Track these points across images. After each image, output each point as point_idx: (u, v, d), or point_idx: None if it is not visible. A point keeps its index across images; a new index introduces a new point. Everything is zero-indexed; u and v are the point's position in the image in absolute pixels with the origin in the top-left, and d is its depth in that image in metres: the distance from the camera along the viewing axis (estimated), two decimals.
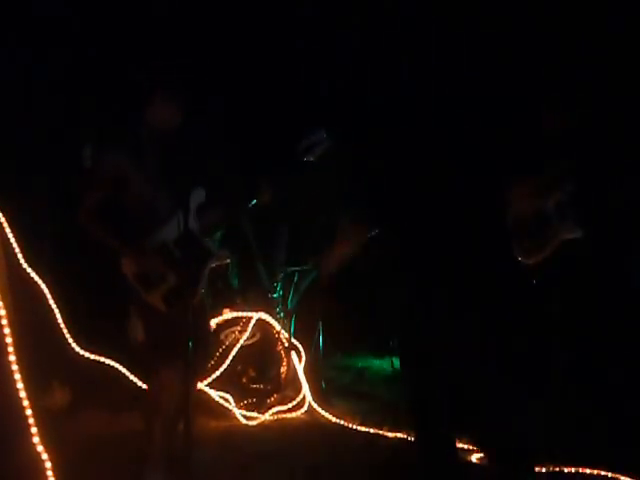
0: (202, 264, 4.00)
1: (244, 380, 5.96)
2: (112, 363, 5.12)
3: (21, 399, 3.65)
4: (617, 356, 5.12)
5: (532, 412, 4.56)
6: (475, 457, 4.62)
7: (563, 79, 4.42)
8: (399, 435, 5.07)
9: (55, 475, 3.58)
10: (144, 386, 4.72)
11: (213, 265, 4.08)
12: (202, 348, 4.08)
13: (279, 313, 6.32)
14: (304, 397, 5.79)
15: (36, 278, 4.85)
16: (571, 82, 4.38)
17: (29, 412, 3.64)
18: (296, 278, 6.79)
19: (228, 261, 4.23)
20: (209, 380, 5.49)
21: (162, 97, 3.98)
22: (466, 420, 3.86)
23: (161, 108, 3.97)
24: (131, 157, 3.90)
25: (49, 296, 4.97)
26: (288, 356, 6.01)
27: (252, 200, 4.22)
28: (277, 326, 6.09)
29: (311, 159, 4.20)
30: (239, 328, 5.95)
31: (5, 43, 5.18)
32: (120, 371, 5.11)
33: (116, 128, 4.23)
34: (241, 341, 5.86)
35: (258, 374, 6.06)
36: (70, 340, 5.07)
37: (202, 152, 4.20)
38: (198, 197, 4.04)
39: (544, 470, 4.26)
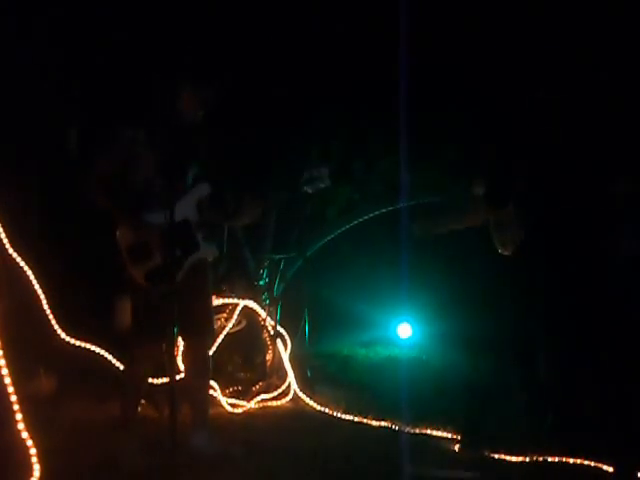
0: (187, 253, 4.09)
1: (229, 368, 5.96)
2: (98, 350, 5.10)
3: (6, 385, 3.64)
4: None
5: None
6: (457, 446, 4.66)
7: None
8: (383, 423, 5.09)
9: (40, 461, 3.59)
10: None
11: (197, 258, 4.14)
12: (197, 333, 4.18)
13: (265, 301, 6.33)
14: (289, 385, 5.80)
15: (22, 264, 4.82)
16: None
17: (14, 398, 3.64)
18: (282, 266, 6.81)
19: (213, 256, 4.26)
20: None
21: (192, 87, 4.08)
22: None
23: (189, 97, 4.07)
24: (147, 135, 4.01)
25: (35, 282, 4.94)
26: (274, 344, 6.02)
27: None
28: (263, 314, 6.09)
29: (309, 191, 4.36)
30: (225, 315, 5.93)
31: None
32: (106, 358, 5.09)
33: (135, 108, 4.31)
34: (227, 329, 5.85)
35: (243, 362, 6.08)
36: (56, 326, 5.05)
37: (213, 150, 4.30)
38: (202, 190, 4.15)
39: (527, 460, 4.30)
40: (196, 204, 4.13)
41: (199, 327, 4.21)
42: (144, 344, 4.11)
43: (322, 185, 4.34)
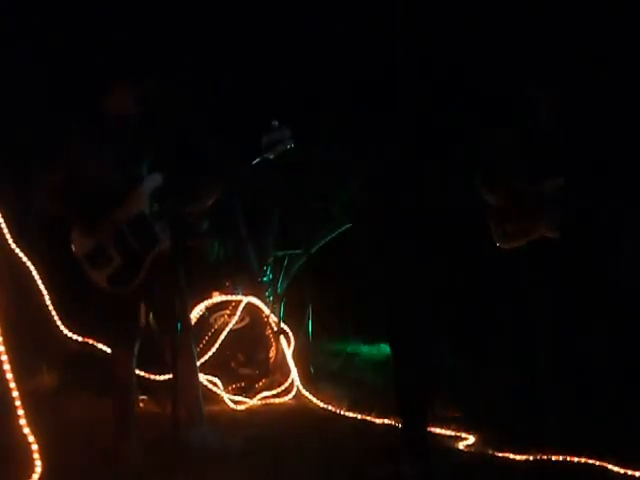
0: (148, 249, 4.05)
1: (232, 364, 5.94)
2: (100, 346, 5.09)
3: (8, 381, 3.63)
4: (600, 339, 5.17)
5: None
6: (462, 444, 4.64)
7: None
8: (387, 421, 5.06)
9: (41, 457, 3.58)
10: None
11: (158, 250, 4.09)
12: (174, 330, 4.10)
13: (268, 297, 6.31)
14: (292, 382, 5.78)
15: (24, 259, 4.80)
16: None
17: (16, 394, 3.63)
18: (286, 262, 6.79)
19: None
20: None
21: (124, 84, 4.09)
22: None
23: (122, 95, 4.07)
24: (91, 141, 4.01)
25: (37, 277, 4.92)
26: (277, 341, 6.00)
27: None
28: (266, 310, 6.07)
29: (271, 157, 4.14)
30: (228, 312, 5.93)
31: None
32: (108, 353, 5.07)
33: (78, 113, 4.29)
34: (230, 325, 5.84)
35: (247, 358, 6.04)
36: (58, 322, 5.03)
37: (161, 137, 4.24)
38: (153, 181, 4.08)
39: (531, 458, 4.28)
40: (149, 196, 4.06)
41: (174, 323, 4.03)
42: (117, 347, 4.17)
43: (284, 148, 4.12)
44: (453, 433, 4.83)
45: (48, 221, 5.57)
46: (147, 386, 5.11)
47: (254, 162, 4.15)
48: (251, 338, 6.09)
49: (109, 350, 4.26)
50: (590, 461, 4.22)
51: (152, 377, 5.11)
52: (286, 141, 4.12)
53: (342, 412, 5.34)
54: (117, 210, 3.99)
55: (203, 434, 4.16)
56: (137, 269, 4.00)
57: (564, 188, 4.34)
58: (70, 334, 5.06)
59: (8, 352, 3.67)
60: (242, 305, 5.92)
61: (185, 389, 4.18)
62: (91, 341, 5.10)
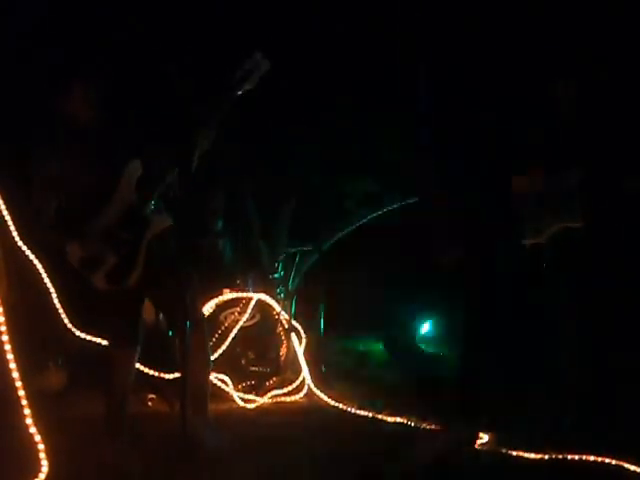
0: (139, 234, 4.03)
1: (243, 362, 5.91)
2: (106, 343, 5.04)
3: (14, 380, 3.60)
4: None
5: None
6: (477, 442, 4.57)
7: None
8: (399, 419, 5.01)
9: (48, 457, 3.55)
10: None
11: (152, 233, 4.07)
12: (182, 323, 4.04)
13: (280, 294, 6.26)
14: (303, 380, 5.73)
15: (32, 257, 4.78)
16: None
17: (22, 393, 3.59)
18: (298, 259, 6.74)
19: (167, 224, 4.12)
20: None
21: (81, 85, 4.05)
22: None
23: (80, 96, 4.04)
24: (59, 152, 3.98)
25: (45, 275, 4.89)
26: (288, 338, 5.95)
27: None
28: (277, 308, 6.02)
29: (249, 87, 3.89)
30: (239, 309, 5.90)
31: None
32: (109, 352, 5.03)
33: (39, 128, 4.22)
34: (240, 322, 5.81)
35: (257, 356, 6.01)
36: (66, 321, 5.00)
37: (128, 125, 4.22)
38: (134, 169, 4.04)
39: (546, 457, 4.21)
40: (133, 183, 4.02)
41: (184, 320, 3.88)
42: (118, 347, 4.14)
43: (260, 72, 3.86)
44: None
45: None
46: (156, 385, 5.07)
47: (231, 97, 3.93)
48: (262, 336, 6.05)
49: (110, 349, 4.25)
50: (607, 460, 4.15)
51: (161, 376, 5.06)
52: (261, 65, 3.88)
53: (354, 410, 5.29)
54: (103, 210, 3.97)
55: (206, 432, 4.10)
56: (133, 261, 3.97)
57: (586, 179, 4.29)
58: (77, 332, 5.02)
59: (14, 351, 3.63)
60: (253, 302, 5.88)
61: (192, 387, 4.14)
62: (98, 339, 5.07)
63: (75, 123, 4.05)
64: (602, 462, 4.15)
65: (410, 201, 6.87)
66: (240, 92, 3.91)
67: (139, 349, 4.16)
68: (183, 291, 3.91)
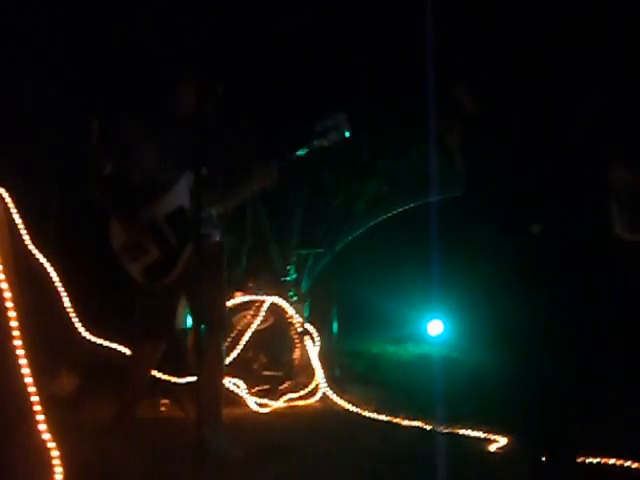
0: (184, 242, 3.99)
1: (256, 366, 5.88)
2: (121, 348, 5.03)
3: (27, 385, 3.57)
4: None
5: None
6: (494, 446, 4.51)
7: None
8: (414, 423, 4.96)
9: (62, 464, 3.51)
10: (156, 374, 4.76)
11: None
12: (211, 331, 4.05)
13: (292, 297, 6.22)
14: (317, 384, 5.68)
15: (43, 260, 4.76)
16: None
17: (35, 399, 3.56)
18: (310, 261, 6.71)
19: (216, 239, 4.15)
20: None
21: (193, 81, 4.04)
22: None
23: (190, 90, 4.04)
24: (142, 126, 4.02)
25: (56, 279, 4.88)
26: (301, 342, 5.91)
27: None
28: (290, 311, 5.98)
29: (325, 144, 4.01)
30: (251, 312, 5.87)
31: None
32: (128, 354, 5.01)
33: (136, 100, 4.39)
34: (253, 326, 5.77)
35: (270, 360, 5.98)
36: (78, 325, 4.98)
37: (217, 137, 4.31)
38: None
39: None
40: (189, 190, 4.00)
41: (208, 320, 4.04)
42: (145, 343, 4.15)
43: (340, 134, 3.96)
44: (484, 435, 4.71)
45: (69, 220, 5.58)
46: (169, 390, 5.04)
47: (304, 150, 4.04)
48: (275, 339, 6.02)
49: (132, 348, 4.27)
50: (627, 463, 4.09)
51: (175, 380, 5.04)
52: (342, 126, 3.97)
53: (369, 414, 5.24)
54: (156, 202, 3.98)
55: (222, 439, 4.07)
56: (173, 264, 3.96)
57: None
58: (89, 336, 5.00)
59: (27, 356, 3.60)
60: (266, 305, 5.84)
61: (205, 390, 4.12)
62: (111, 344, 5.05)
63: (172, 115, 4.09)
64: (621, 465, 4.07)
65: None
66: (312, 146, 4.03)
67: (162, 345, 4.16)
68: (216, 294, 4.02)
